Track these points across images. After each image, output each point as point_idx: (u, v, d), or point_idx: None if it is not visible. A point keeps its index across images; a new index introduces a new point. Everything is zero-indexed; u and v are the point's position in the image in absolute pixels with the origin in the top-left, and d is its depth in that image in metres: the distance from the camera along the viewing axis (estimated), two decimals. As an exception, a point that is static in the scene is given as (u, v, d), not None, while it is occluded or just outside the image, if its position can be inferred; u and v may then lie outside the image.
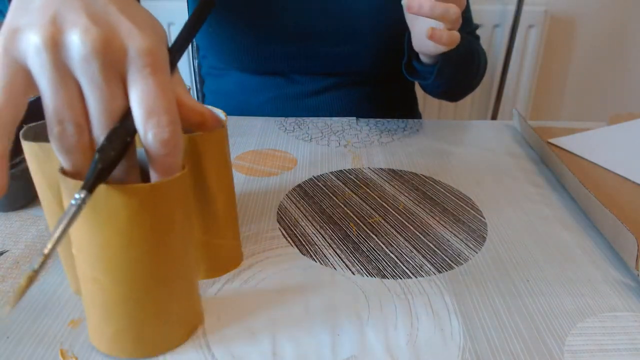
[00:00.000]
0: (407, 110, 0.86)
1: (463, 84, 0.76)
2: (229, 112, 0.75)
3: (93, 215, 0.28)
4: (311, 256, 0.43)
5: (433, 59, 0.63)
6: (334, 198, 0.52)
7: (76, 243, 0.29)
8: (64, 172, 0.28)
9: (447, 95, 0.78)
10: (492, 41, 1.48)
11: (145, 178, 0.32)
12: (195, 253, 0.34)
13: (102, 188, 0.27)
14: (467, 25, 0.81)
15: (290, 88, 0.76)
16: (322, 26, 0.71)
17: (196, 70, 0.96)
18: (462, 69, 0.70)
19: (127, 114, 0.27)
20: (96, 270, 0.29)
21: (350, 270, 0.41)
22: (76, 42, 0.25)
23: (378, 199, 0.52)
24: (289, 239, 0.45)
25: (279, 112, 0.76)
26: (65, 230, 0.24)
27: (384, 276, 0.41)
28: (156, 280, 0.31)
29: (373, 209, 0.50)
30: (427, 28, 0.52)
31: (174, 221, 0.30)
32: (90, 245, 0.29)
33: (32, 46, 0.25)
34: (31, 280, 0.23)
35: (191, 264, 0.33)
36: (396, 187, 0.54)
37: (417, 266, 0.42)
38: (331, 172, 0.57)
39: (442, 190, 0.54)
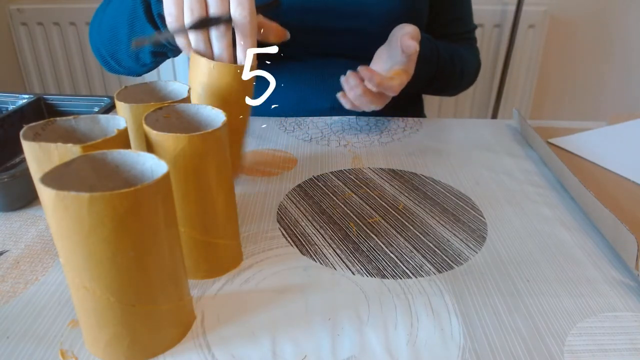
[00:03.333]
0: (413, 111, 0.86)
1: (445, 83, 0.78)
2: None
3: (78, 226, 0.27)
4: (311, 256, 0.43)
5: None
6: (334, 198, 0.52)
7: (62, 253, 0.29)
8: None
9: (431, 90, 0.80)
10: (492, 41, 1.48)
11: (130, 183, 0.31)
12: (183, 251, 0.34)
13: (84, 197, 0.26)
14: (462, 26, 0.81)
15: (303, 72, 0.76)
16: (330, 2, 0.71)
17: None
18: (441, 72, 0.72)
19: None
20: (84, 278, 0.29)
21: (350, 270, 0.41)
22: None
23: (378, 199, 0.52)
24: (289, 239, 0.45)
25: (295, 100, 0.77)
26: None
27: (384, 276, 0.41)
28: (145, 284, 0.30)
29: (373, 209, 0.50)
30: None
31: (159, 223, 0.30)
32: (76, 255, 0.28)
33: None
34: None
35: (179, 263, 0.33)
36: (396, 187, 0.54)
37: (417, 266, 0.42)
38: (331, 172, 0.57)
39: (442, 190, 0.54)
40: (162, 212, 0.30)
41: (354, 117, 0.73)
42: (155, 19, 0.58)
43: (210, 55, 0.46)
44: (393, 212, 0.50)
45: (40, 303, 0.37)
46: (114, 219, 0.27)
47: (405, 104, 0.84)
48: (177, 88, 0.44)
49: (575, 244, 0.45)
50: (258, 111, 0.76)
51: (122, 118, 0.36)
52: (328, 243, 0.45)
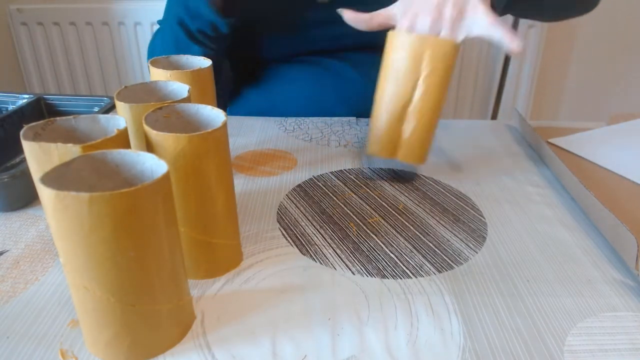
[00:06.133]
0: None
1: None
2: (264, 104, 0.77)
3: (78, 226, 0.27)
4: (311, 256, 0.43)
5: None
6: (334, 198, 0.52)
7: (62, 253, 0.29)
8: None
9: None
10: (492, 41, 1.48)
11: (130, 183, 0.31)
12: (183, 251, 0.34)
13: (84, 197, 0.26)
14: None
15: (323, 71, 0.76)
16: None
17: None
18: None
19: None
20: (85, 279, 0.29)
21: (350, 270, 0.41)
22: None
23: (378, 199, 0.52)
24: (289, 239, 0.45)
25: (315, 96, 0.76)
26: None
27: (384, 276, 0.41)
28: (145, 284, 0.30)
29: (373, 209, 0.50)
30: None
31: (159, 223, 0.30)
32: (76, 255, 0.28)
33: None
34: None
35: (179, 263, 0.33)
36: (396, 187, 0.54)
37: (417, 266, 0.42)
38: (331, 172, 0.57)
39: (442, 190, 0.54)
40: (162, 212, 0.30)
41: (354, 117, 0.73)
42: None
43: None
44: (393, 212, 0.50)
45: (40, 303, 0.37)
46: (114, 219, 0.27)
47: None
48: (177, 88, 0.44)
49: (575, 244, 0.45)
50: (257, 111, 0.76)
51: (122, 118, 0.36)
52: (328, 243, 0.45)
